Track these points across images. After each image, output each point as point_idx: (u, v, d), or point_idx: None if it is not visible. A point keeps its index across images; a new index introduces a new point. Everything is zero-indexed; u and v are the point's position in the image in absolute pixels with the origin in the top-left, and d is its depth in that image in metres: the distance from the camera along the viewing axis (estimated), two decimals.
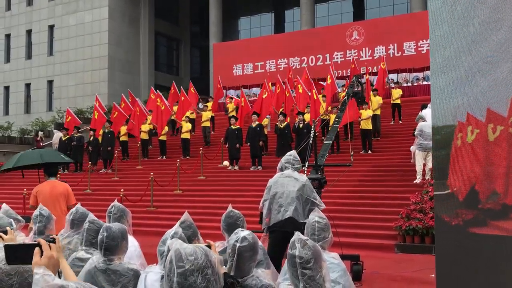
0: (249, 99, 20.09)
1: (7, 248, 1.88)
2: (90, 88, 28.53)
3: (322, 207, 5.67)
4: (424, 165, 11.65)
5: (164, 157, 18.17)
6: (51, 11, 30.56)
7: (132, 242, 4.05)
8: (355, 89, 12.21)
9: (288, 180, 5.64)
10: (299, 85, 17.17)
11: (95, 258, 3.46)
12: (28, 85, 31.48)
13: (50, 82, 30.65)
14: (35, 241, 2.02)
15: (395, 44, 23.20)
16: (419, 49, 22.48)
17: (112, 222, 4.67)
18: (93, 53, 28.98)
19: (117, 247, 3.40)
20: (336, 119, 11.21)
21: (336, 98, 18.03)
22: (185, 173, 15.00)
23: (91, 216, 3.93)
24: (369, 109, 15.40)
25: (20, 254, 1.90)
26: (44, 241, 1.92)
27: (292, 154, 5.92)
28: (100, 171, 17.81)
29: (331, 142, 9.49)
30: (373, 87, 17.13)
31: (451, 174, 4.95)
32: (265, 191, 5.82)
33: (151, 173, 13.84)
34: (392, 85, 19.07)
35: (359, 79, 12.94)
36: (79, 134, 18.38)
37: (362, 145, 15.07)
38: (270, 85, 18.33)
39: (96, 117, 19.14)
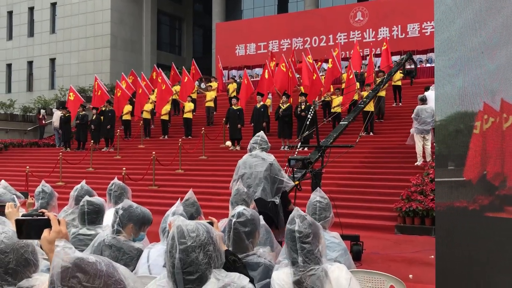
0: (252, 79, 20.00)
1: (19, 222, 1.84)
2: (92, 67, 28.43)
3: (290, 184, 5.81)
4: (424, 146, 11.66)
5: (166, 137, 18.19)
6: None
7: None
8: (408, 68, 11.88)
9: (256, 160, 5.67)
10: (307, 61, 17.05)
11: (105, 233, 3.49)
12: (30, 63, 31.37)
13: (53, 60, 30.54)
14: (43, 214, 2.00)
15: (399, 26, 23.03)
16: (423, 31, 22.31)
17: (112, 200, 4.71)
18: (96, 31, 28.81)
19: (125, 228, 3.43)
20: (364, 99, 11.11)
21: (339, 80, 17.95)
22: (187, 152, 15.00)
23: (87, 198, 3.93)
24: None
25: (31, 229, 1.87)
26: (53, 215, 1.90)
27: (260, 135, 5.95)
28: (102, 150, 17.83)
29: (347, 123, 9.43)
30: (379, 69, 17.04)
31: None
32: (235, 171, 5.85)
33: (153, 152, 13.86)
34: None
35: (412, 57, 12.70)
36: (83, 112, 18.35)
37: (363, 127, 15.02)
38: (271, 65, 18.25)
39: (98, 94, 19.08)
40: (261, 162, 5.62)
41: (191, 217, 3.76)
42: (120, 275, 1.37)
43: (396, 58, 21.11)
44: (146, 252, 3.29)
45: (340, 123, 9.59)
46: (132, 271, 3.31)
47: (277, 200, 5.54)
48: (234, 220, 2.96)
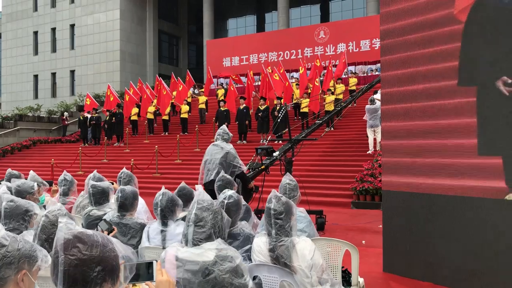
0: (236, 86, 19.92)
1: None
2: (105, 77, 28.02)
3: (243, 169, 5.84)
4: (375, 138, 11.77)
5: (166, 133, 18.04)
6: (71, 13, 29.71)
7: (140, 201, 4.06)
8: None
9: (216, 149, 5.75)
10: (276, 74, 17.06)
11: (111, 214, 3.46)
12: (54, 74, 30.75)
13: (73, 72, 29.97)
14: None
15: (354, 42, 23.11)
16: (373, 46, 22.43)
17: (122, 186, 4.66)
18: (108, 47, 28.37)
19: (129, 205, 3.41)
20: (342, 104, 11.15)
21: (307, 85, 17.98)
22: (184, 146, 14.92)
23: (91, 182, 3.88)
24: (333, 94, 15.42)
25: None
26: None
27: (223, 128, 6.02)
28: (114, 145, 17.63)
29: (321, 122, 9.44)
30: (337, 78, 17.13)
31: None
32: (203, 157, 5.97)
33: (156, 146, 13.76)
34: (350, 74, 19.11)
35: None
36: (96, 115, 18.12)
37: (326, 124, 15.09)
38: (252, 74, 18.23)
39: (111, 99, 18.91)
40: (220, 150, 5.69)
41: (187, 201, 3.77)
42: (113, 245, 1.36)
43: (351, 68, 21.26)
44: (147, 228, 3.28)
45: (316, 121, 9.61)
46: (138, 241, 3.32)
47: None
48: (226, 201, 2.96)
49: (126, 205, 3.40)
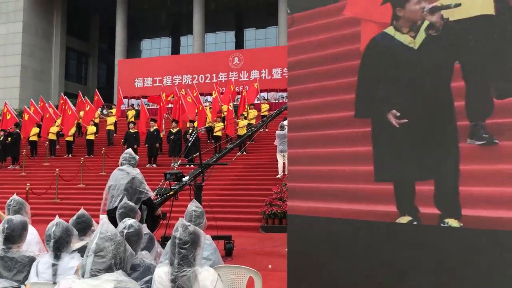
0: (147, 107, 19.45)
1: None
2: (2, 93, 25.70)
3: (150, 195, 5.65)
4: (284, 163, 12.14)
5: (70, 156, 16.90)
6: None
7: (31, 231, 3.73)
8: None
9: (121, 174, 5.53)
10: (189, 97, 17.01)
11: None
12: None
13: None
14: None
15: (267, 69, 23.95)
16: (284, 74, 23.43)
17: (11, 214, 4.23)
18: (7, 62, 26.18)
19: (16, 237, 3.12)
20: (253, 128, 11.24)
21: (219, 109, 18.15)
22: (89, 169, 14.08)
23: None
24: (245, 119, 15.73)
25: None
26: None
27: (128, 152, 5.79)
28: (8, 167, 16.10)
29: (232, 146, 9.42)
30: (249, 103, 17.54)
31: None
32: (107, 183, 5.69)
33: (57, 169, 12.81)
34: (262, 100, 19.70)
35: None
36: None
37: (238, 148, 15.26)
38: (164, 96, 18.01)
39: (8, 118, 17.37)
40: (125, 176, 5.45)
41: (84, 230, 3.54)
42: None
43: (264, 94, 21.92)
44: (36, 263, 3.01)
45: (227, 146, 9.62)
46: (25, 276, 3.02)
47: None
48: (126, 231, 2.83)
49: (14, 236, 3.12)
